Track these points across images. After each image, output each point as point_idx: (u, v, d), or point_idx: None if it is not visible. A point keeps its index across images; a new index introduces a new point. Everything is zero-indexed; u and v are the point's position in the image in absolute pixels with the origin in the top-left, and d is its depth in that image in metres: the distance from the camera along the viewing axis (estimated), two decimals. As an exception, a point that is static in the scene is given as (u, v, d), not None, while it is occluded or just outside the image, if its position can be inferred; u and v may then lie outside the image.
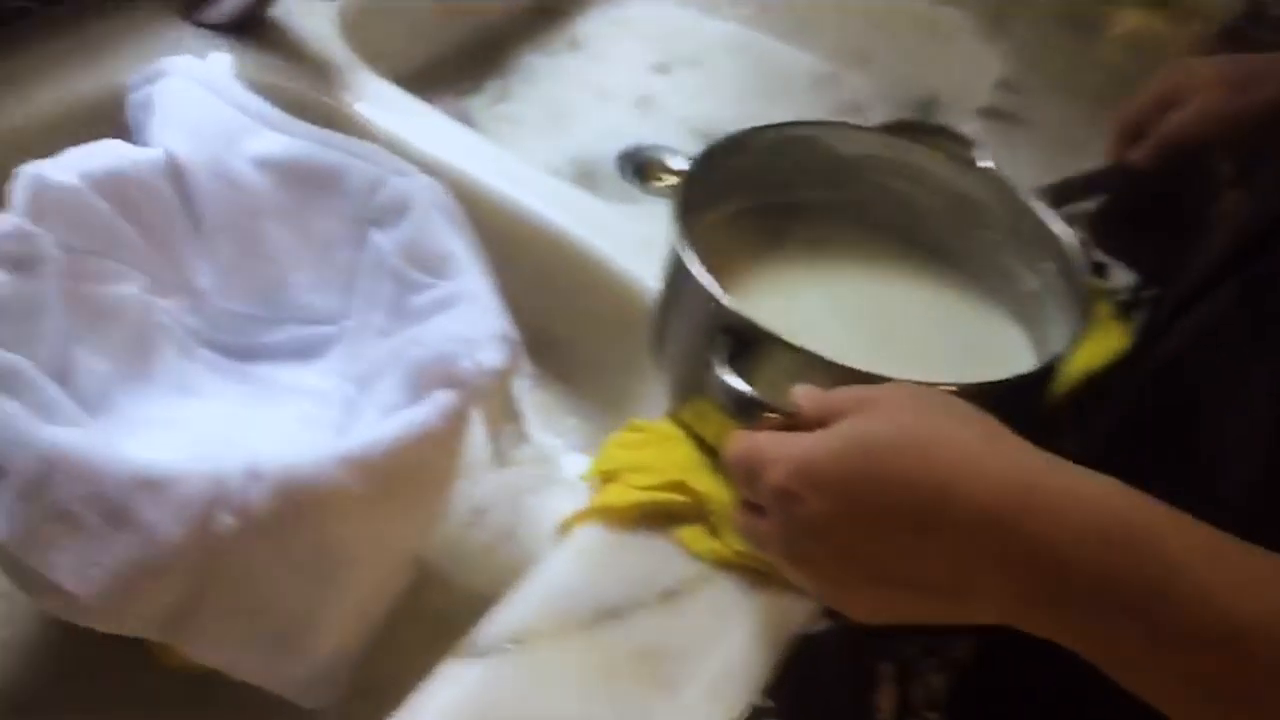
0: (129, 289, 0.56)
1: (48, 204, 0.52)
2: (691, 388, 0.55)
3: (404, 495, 0.47)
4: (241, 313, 0.59)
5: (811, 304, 0.58)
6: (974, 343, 0.58)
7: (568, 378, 0.69)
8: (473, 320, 0.52)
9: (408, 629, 0.54)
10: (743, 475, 0.45)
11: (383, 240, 0.57)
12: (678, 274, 0.53)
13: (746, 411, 0.47)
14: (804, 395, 0.45)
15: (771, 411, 0.46)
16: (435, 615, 0.57)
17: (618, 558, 0.50)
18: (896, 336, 0.58)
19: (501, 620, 0.47)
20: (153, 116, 0.58)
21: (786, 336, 0.49)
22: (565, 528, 0.52)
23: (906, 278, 0.61)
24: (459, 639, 0.47)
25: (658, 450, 0.54)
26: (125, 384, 0.56)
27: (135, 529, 0.43)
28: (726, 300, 0.50)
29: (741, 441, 0.45)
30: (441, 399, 0.48)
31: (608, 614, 0.48)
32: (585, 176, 0.87)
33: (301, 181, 0.58)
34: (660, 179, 0.88)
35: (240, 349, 0.59)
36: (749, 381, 0.48)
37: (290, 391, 0.58)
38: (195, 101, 0.59)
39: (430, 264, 0.56)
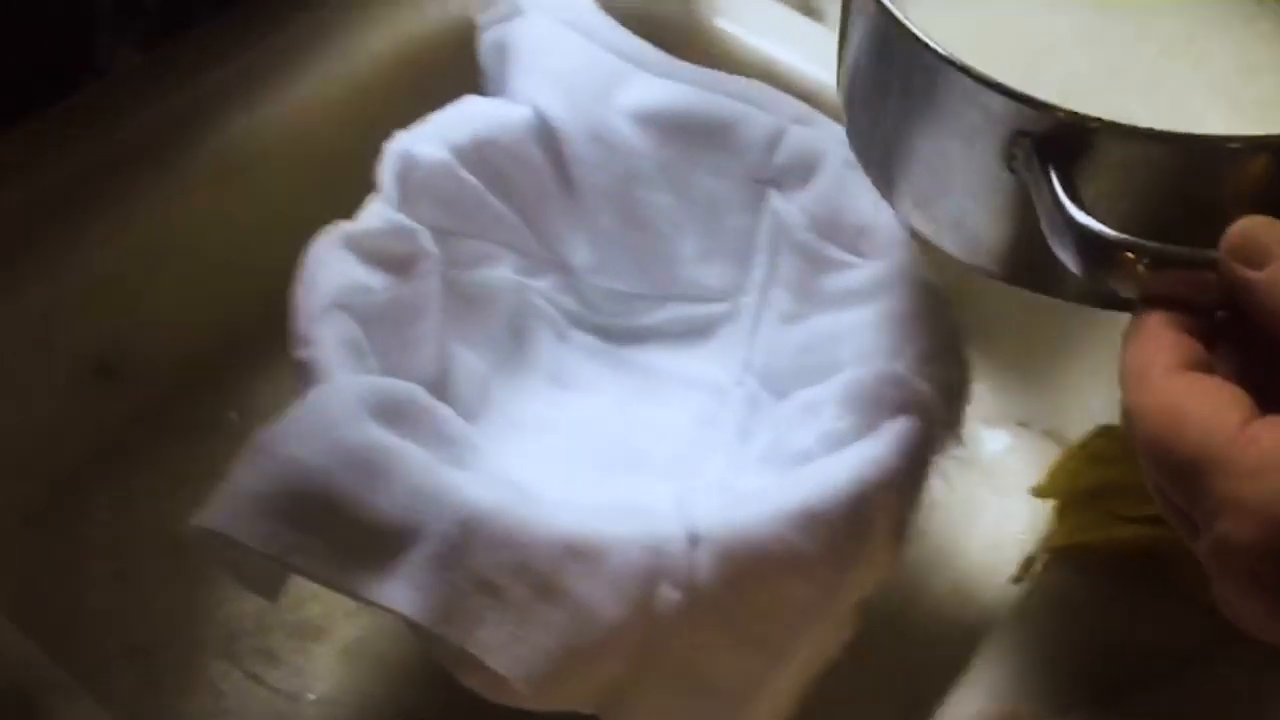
0: (502, 271, 0.49)
1: (417, 184, 0.46)
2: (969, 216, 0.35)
3: (863, 549, 0.39)
4: (621, 290, 0.51)
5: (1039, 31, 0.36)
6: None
7: (968, 331, 0.59)
8: (918, 320, 0.43)
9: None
10: (1167, 476, 0.29)
11: (785, 205, 0.48)
12: (889, 36, 0.33)
13: (1117, 270, 0.29)
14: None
15: (1171, 263, 0.29)
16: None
17: (1107, 612, 0.41)
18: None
19: (975, 695, 0.40)
20: (511, 64, 0.51)
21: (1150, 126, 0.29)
22: (1027, 569, 0.43)
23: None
24: (876, 656, 0.40)
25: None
26: (501, 380, 0.50)
27: (568, 604, 0.37)
28: (1041, 96, 0.30)
29: (1159, 394, 0.28)
30: (901, 432, 0.39)
31: (1108, 691, 0.39)
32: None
33: (686, 137, 0.49)
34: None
35: (619, 331, 0.52)
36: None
37: (679, 382, 0.50)
38: (559, 44, 0.50)
39: (847, 237, 0.46)
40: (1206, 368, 0.29)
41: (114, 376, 0.52)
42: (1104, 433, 0.45)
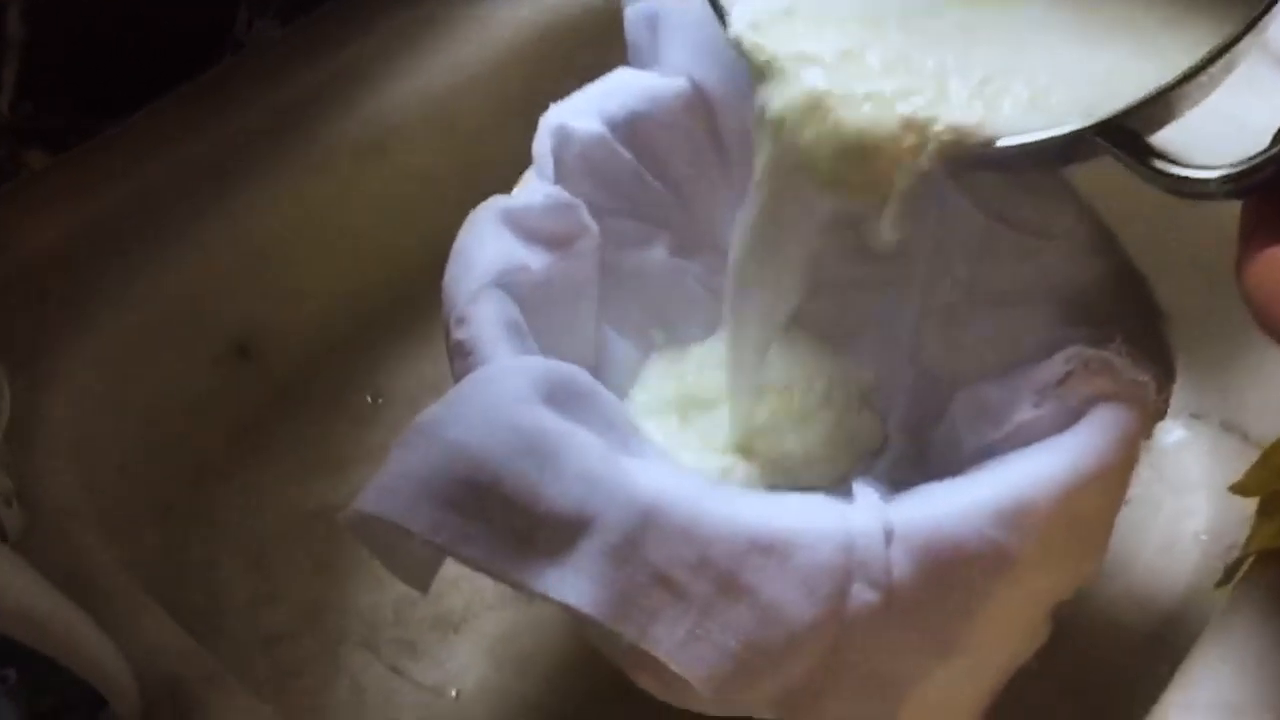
0: (656, 253, 0.47)
1: (573, 160, 0.44)
2: None
3: (1066, 548, 0.36)
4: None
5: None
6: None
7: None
8: (1121, 300, 0.40)
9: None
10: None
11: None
12: None
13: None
14: None
15: None
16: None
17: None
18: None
19: (1188, 707, 0.37)
20: (662, 35, 0.48)
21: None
22: (1233, 573, 0.40)
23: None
24: (1048, 665, 0.38)
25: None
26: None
27: (752, 602, 0.34)
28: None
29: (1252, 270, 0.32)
30: (1114, 420, 0.36)
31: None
32: None
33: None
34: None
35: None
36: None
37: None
38: (711, 16, 0.48)
39: (1022, 215, 0.43)
40: None
41: (252, 357, 0.51)
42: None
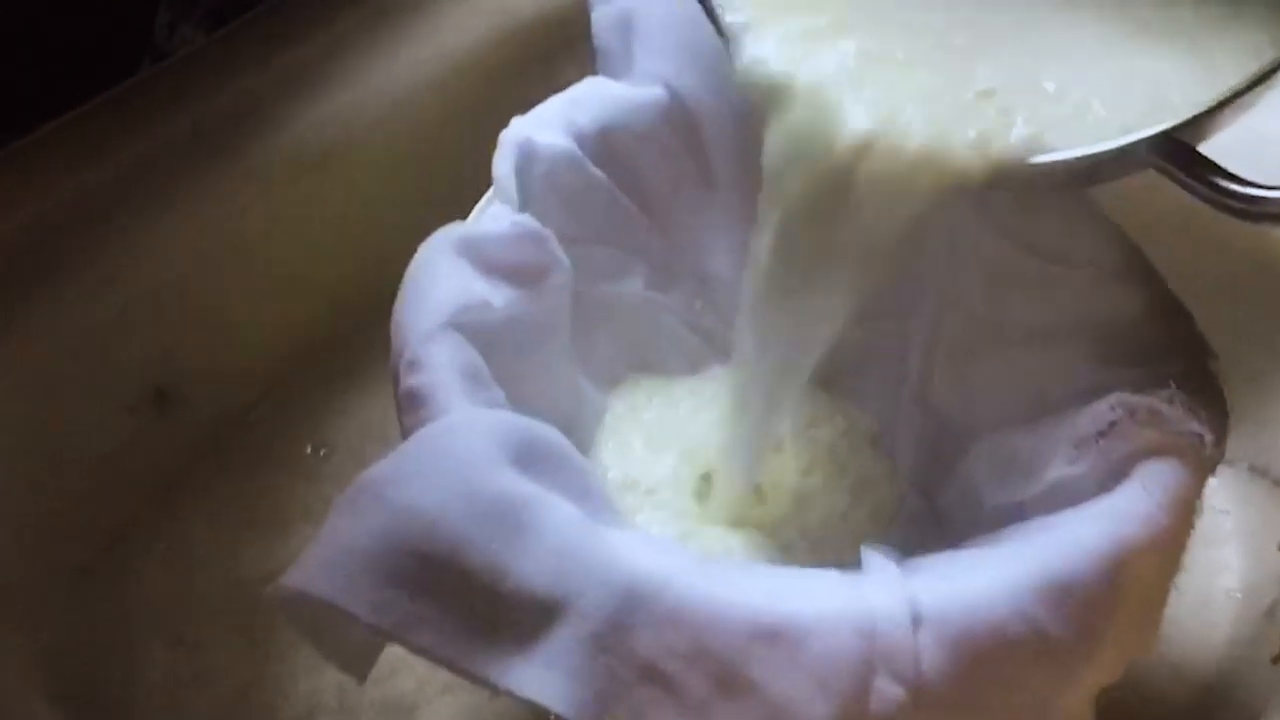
0: (630, 285, 0.42)
1: (538, 179, 0.39)
2: None
3: (1117, 629, 0.31)
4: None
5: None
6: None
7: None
8: (1166, 336, 0.35)
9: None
10: None
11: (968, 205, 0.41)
12: None
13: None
14: None
15: None
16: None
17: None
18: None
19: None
20: (636, 39, 0.44)
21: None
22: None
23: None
24: None
25: None
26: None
27: (757, 700, 0.29)
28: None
29: None
30: (1164, 478, 0.32)
31: None
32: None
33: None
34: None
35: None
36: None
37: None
38: (691, 17, 0.43)
39: (1047, 240, 0.39)
40: None
41: (174, 403, 0.46)
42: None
